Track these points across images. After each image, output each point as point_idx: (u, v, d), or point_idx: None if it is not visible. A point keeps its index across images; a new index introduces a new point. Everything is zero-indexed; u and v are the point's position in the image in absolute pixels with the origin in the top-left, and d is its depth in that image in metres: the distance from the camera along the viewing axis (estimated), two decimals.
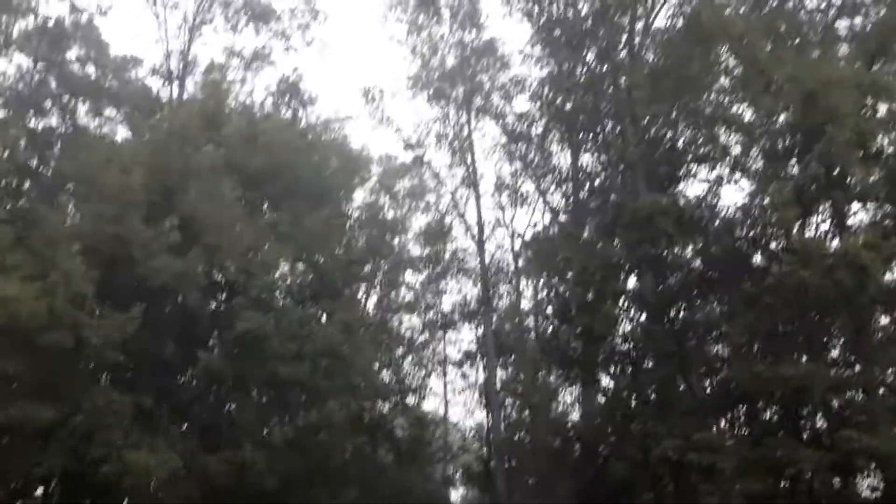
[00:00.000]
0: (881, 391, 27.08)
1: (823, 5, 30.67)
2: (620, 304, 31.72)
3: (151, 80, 39.78)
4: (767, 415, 28.64)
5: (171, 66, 39.66)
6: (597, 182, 33.70)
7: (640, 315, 31.55)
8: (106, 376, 29.31)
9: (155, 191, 29.49)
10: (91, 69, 38.69)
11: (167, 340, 29.33)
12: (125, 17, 40.74)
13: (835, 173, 27.12)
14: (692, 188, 31.27)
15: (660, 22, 33.42)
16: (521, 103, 36.32)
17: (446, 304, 41.48)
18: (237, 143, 33.06)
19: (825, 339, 28.04)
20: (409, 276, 41.41)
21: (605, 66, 33.08)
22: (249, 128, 34.71)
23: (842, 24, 30.83)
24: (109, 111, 37.68)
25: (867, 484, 26.53)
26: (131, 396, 26.88)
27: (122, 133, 37.32)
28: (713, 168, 30.55)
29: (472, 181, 36.71)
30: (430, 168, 38.48)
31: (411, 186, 41.71)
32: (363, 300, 36.08)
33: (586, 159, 34.19)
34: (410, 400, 36.07)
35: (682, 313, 30.71)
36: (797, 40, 30.18)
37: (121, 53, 40.11)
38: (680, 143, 31.78)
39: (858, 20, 30.50)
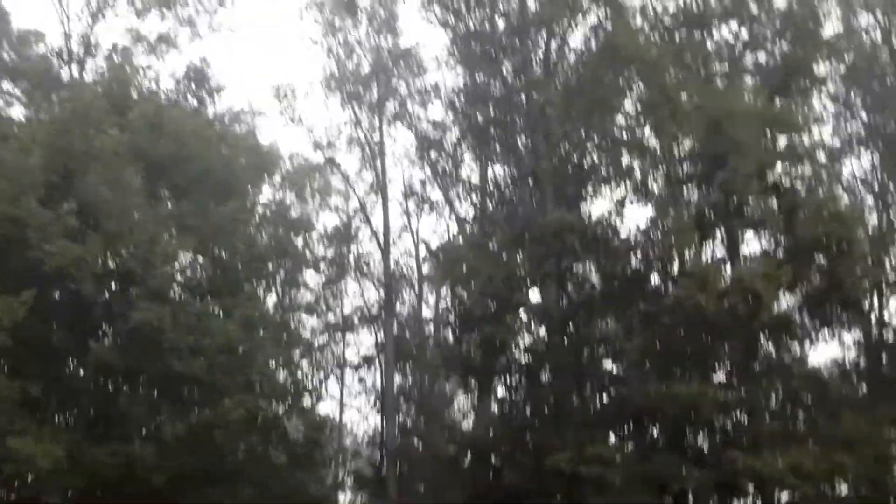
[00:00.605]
0: (765, 415, 28.37)
1: (732, 39, 31.88)
2: (522, 315, 32.44)
3: (52, 59, 38.38)
4: (656, 432, 29.62)
5: (71, 47, 38.37)
6: (506, 194, 34.23)
7: (541, 328, 32.26)
8: None
9: (54, 172, 28.40)
10: None
11: (58, 327, 28.34)
12: None
13: (733, 202, 28.43)
14: (598, 207, 32.13)
15: (576, 40, 34.21)
16: (435, 111, 36.60)
17: (347, 307, 41.55)
18: (142, 129, 32.10)
19: (715, 362, 29.12)
20: (311, 277, 41.17)
21: (521, 81, 33.65)
22: (155, 114, 33.75)
23: (748, 59, 32.16)
24: (6, 85, 36.11)
25: None
26: (18, 382, 25.91)
27: (19, 110, 35.83)
28: (617, 188, 31.46)
29: (380, 186, 36.77)
30: (340, 170, 38.45)
31: (319, 187, 41.47)
32: (263, 298, 35.53)
33: (497, 171, 34.73)
34: (306, 402, 35.69)
35: (581, 328, 31.55)
36: (704, 70, 31.42)
37: (22, 26, 38.74)
38: (588, 162, 32.60)
39: (763, 56, 31.87)
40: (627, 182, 30.80)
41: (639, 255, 30.39)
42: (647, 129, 30.81)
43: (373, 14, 36.32)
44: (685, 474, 26.55)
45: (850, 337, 31.18)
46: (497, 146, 34.20)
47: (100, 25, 39.27)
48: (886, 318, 31.95)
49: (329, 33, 38.10)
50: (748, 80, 31.47)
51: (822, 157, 31.49)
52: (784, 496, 27.08)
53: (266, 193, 38.89)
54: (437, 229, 38.17)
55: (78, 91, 32.88)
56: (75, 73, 37.44)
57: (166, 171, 32.10)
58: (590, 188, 32.22)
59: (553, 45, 33.76)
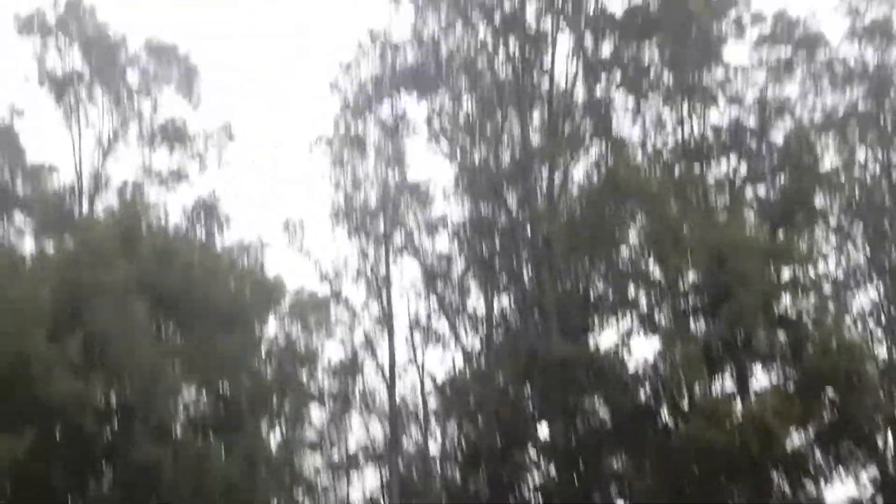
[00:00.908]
0: None
1: (731, 173, 32.45)
2: (530, 451, 31.80)
3: (65, 194, 39.34)
4: None
5: (83, 183, 39.42)
6: (512, 326, 34.14)
7: (550, 463, 31.56)
8: None
9: (62, 307, 28.53)
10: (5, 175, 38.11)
11: (58, 466, 27.80)
12: (40, 124, 40.52)
13: (740, 335, 28.25)
14: (604, 338, 31.96)
15: (578, 173, 34.86)
16: (441, 242, 36.89)
17: (352, 443, 40.68)
18: (150, 262, 32.46)
19: (728, 501, 28.30)
20: (316, 412, 40.60)
21: (525, 214, 34.08)
22: (164, 247, 34.21)
23: (748, 191, 32.64)
24: (19, 219, 36.76)
25: None
26: None
27: (29, 243, 36.39)
28: (623, 320, 31.33)
29: (386, 318, 36.77)
30: (346, 302, 38.51)
31: (325, 319, 41.41)
32: (267, 434, 35.00)
33: (502, 302, 34.73)
34: None
35: (590, 465, 30.84)
36: (705, 203, 31.82)
37: (36, 160, 39.85)
38: (593, 294, 32.61)
39: (763, 188, 32.35)
40: (633, 313, 30.69)
41: (647, 389, 30.03)
42: (651, 261, 30.89)
43: (380, 149, 37.16)
44: None
45: (866, 474, 30.26)
46: (503, 277, 34.34)
47: (111, 159, 40.56)
48: None
49: (337, 165, 38.84)
50: (749, 212, 31.75)
51: (827, 288, 31.37)
52: None
53: (272, 326, 38.93)
54: (443, 361, 37.81)
55: (88, 226, 33.35)
56: (86, 208, 38.22)
57: (173, 304, 32.19)
58: (596, 320, 32.08)
59: (556, 178, 34.31)
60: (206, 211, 40.36)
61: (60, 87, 40.43)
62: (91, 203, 39.42)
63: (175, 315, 32.75)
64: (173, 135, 41.94)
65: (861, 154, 33.57)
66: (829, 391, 28.11)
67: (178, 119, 42.35)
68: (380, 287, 37.17)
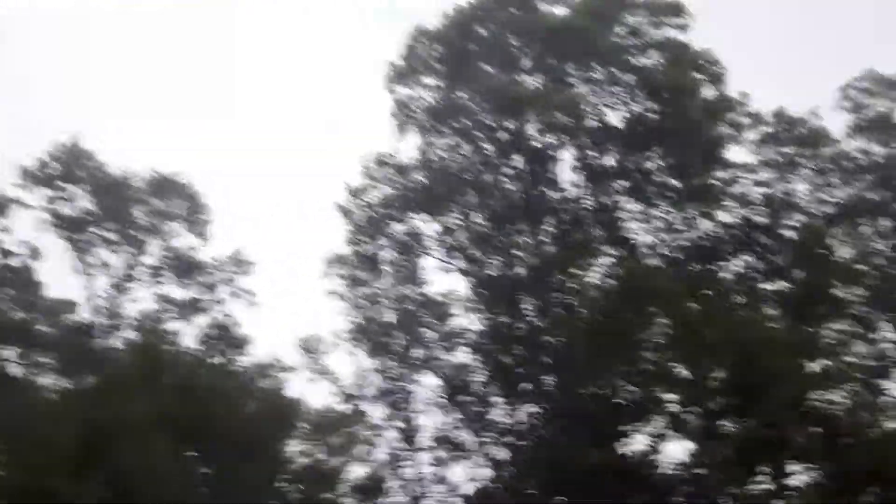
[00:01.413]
0: None
1: (747, 271, 32.26)
2: None
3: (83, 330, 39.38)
4: None
5: (100, 319, 39.64)
6: (539, 434, 33.22)
7: None
8: None
9: (84, 444, 28.02)
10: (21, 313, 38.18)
11: None
12: (54, 265, 41.41)
13: (774, 433, 27.47)
14: (634, 443, 31.03)
15: (593, 277, 34.47)
16: (461, 355, 36.28)
17: None
18: (171, 394, 32.04)
19: None
20: None
21: (543, 322, 33.69)
22: (185, 378, 33.87)
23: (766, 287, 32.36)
24: (40, 357, 36.53)
25: None
26: None
27: (52, 380, 36.02)
28: (652, 423, 30.56)
29: (409, 434, 35.91)
30: (368, 420, 37.66)
31: (348, 438, 40.51)
32: None
33: (527, 411, 33.92)
34: None
35: None
36: (724, 301, 31.45)
37: (55, 295, 39.98)
38: (619, 398, 31.85)
39: (781, 282, 32.08)
40: (662, 416, 29.96)
41: (682, 493, 29.04)
42: (676, 363, 30.35)
43: (395, 267, 36.99)
44: None
45: None
46: (525, 386, 33.67)
47: (125, 294, 40.87)
48: None
49: (353, 286, 38.58)
50: (769, 308, 31.38)
51: (856, 378, 30.72)
52: None
53: (294, 447, 38.11)
54: (469, 475, 36.65)
55: (109, 361, 33.17)
56: (104, 342, 38.14)
57: (195, 434, 31.64)
58: (624, 424, 31.24)
59: (571, 285, 34.03)
60: (224, 335, 40.18)
61: (72, 229, 41.27)
62: (109, 336, 39.49)
63: (197, 445, 32.15)
64: (184, 267, 42.58)
65: (875, 243, 33.45)
66: (870, 486, 27.35)
67: (188, 250, 43.15)
68: (401, 403, 36.45)
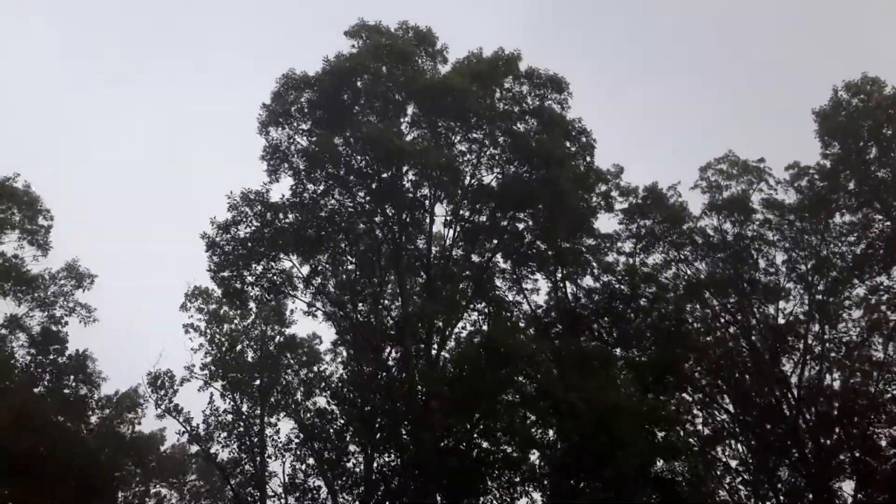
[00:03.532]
0: None
1: (605, 336, 32.27)
2: None
3: None
4: None
5: None
6: (392, 485, 31.90)
7: None
8: None
9: None
10: None
11: None
12: None
13: (619, 496, 27.23)
14: (486, 499, 30.13)
15: (459, 332, 33.89)
16: (321, 400, 34.65)
17: None
18: (4, 425, 29.00)
19: None
20: None
21: (405, 373, 32.62)
22: (18, 406, 30.76)
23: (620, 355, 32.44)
24: None
25: None
26: None
27: None
28: (508, 481, 29.81)
29: (260, 478, 33.87)
30: (217, 461, 35.28)
31: (195, 479, 37.98)
32: None
33: (382, 461, 32.59)
34: None
35: None
36: (581, 366, 31.29)
37: None
38: (475, 454, 31.03)
39: (635, 353, 32.24)
40: (517, 474, 29.27)
41: None
42: (534, 422, 29.84)
43: (260, 306, 35.18)
44: None
45: None
46: (382, 436, 32.36)
47: None
48: None
49: (213, 322, 36.55)
50: (623, 375, 31.43)
51: (696, 448, 31.06)
52: None
53: (140, 490, 35.31)
54: None
55: None
56: None
57: (27, 468, 28.65)
58: (479, 479, 30.35)
59: (436, 337, 33.22)
60: (74, 366, 36.55)
61: None
62: None
63: (30, 479, 29.13)
64: (18, 279, 36.96)
65: (721, 318, 34.22)
66: None
67: (23, 261, 37.58)
68: (254, 446, 34.39)
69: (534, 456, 29.92)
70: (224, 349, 35.42)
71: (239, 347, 35.69)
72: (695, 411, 32.94)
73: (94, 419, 34.45)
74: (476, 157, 34.19)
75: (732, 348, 33.79)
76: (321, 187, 34.82)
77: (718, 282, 34.47)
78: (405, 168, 34.07)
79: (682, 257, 34.69)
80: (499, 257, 34.39)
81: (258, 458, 34.30)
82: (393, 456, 32.60)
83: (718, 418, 33.93)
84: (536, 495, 29.49)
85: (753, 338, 33.88)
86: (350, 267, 34.58)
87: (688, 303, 33.65)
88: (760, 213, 35.73)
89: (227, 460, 34.36)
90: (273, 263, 33.53)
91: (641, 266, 34.09)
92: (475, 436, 30.73)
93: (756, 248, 35.51)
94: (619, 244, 34.56)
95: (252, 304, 34.85)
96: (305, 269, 34.26)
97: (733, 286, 34.21)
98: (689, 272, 34.90)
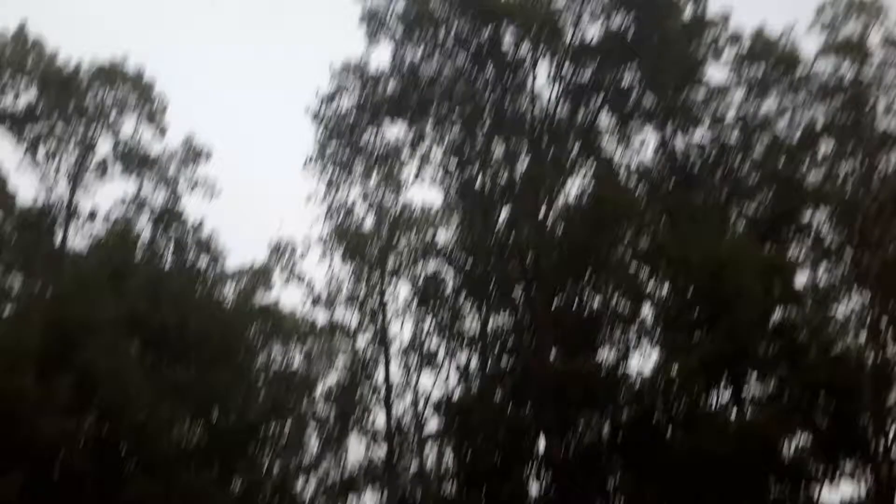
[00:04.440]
0: None
1: (718, 191, 31.20)
2: (529, 467, 30.06)
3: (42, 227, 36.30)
4: None
5: (54, 215, 36.49)
6: (507, 344, 32.38)
7: (549, 478, 29.81)
8: None
9: (51, 346, 26.43)
10: None
11: None
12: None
13: (738, 347, 26.86)
14: (601, 354, 30.33)
15: (567, 193, 33.30)
16: (434, 264, 35.00)
17: (350, 466, 38.42)
18: (141, 297, 30.43)
19: None
20: (313, 436, 38.33)
21: (516, 234, 32.47)
22: (153, 282, 32.15)
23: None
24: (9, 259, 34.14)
25: None
26: None
27: (15, 279, 33.78)
28: (621, 336, 29.82)
29: (381, 341, 34.91)
30: (341, 327, 36.47)
31: (320, 344, 39.32)
32: (264, 462, 32.88)
33: (496, 321, 33.01)
34: None
35: (589, 478, 29.19)
36: (694, 221, 30.45)
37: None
38: (588, 311, 31.01)
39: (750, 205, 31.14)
40: (630, 329, 29.21)
41: (646, 402, 28.46)
42: (645, 278, 29.46)
43: (369, 175, 35.25)
44: None
45: (861, 478, 28.95)
46: (496, 297, 32.64)
47: (83, 193, 37.60)
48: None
49: (331, 190, 36.67)
50: (739, 227, 30.51)
51: (817, 299, 30.16)
52: None
53: (267, 353, 36.84)
54: (439, 383, 35.94)
55: (74, 262, 31.30)
56: (63, 241, 35.58)
57: (165, 339, 30.22)
58: (593, 336, 30.46)
59: (544, 199, 32.73)
60: (194, 238, 37.71)
61: (19, 123, 36.94)
62: (65, 236, 36.31)
63: (168, 350, 30.72)
64: (139, 161, 37.94)
65: (842, 165, 32.45)
66: (825, 399, 27.12)
67: (143, 141, 38.38)
68: (375, 310, 35.30)
69: (647, 311, 29.67)
70: (339, 218, 35.77)
71: (353, 215, 36.04)
72: (814, 261, 31.77)
73: (222, 291, 35.75)
74: (577, 10, 32.63)
75: (853, 196, 32.12)
76: (420, 53, 34.18)
77: (836, 128, 32.49)
78: (504, 27, 32.90)
79: (797, 104, 32.67)
80: (604, 115, 33.17)
81: (379, 322, 35.20)
82: (507, 316, 32.97)
83: (839, 270, 32.64)
84: (650, 350, 29.49)
85: (874, 185, 32.08)
86: (454, 132, 34.08)
87: (804, 151, 31.92)
88: (879, 53, 33.21)
89: (350, 325, 35.49)
90: (378, 132, 33.43)
91: (754, 116, 32.37)
92: (587, 293, 30.66)
93: (875, 91, 33.21)
94: (730, 95, 32.74)
95: (361, 174, 35.00)
96: (410, 136, 34.06)
97: (852, 132, 32.21)
98: (804, 120, 32.94)
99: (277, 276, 36.44)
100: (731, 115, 32.39)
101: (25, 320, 26.85)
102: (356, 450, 37.21)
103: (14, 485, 23.84)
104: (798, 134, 32.25)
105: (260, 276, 37.44)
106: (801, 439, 28.07)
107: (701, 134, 32.20)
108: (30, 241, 34.15)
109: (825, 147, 32.30)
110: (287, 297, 39.40)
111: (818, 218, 31.44)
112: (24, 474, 24.34)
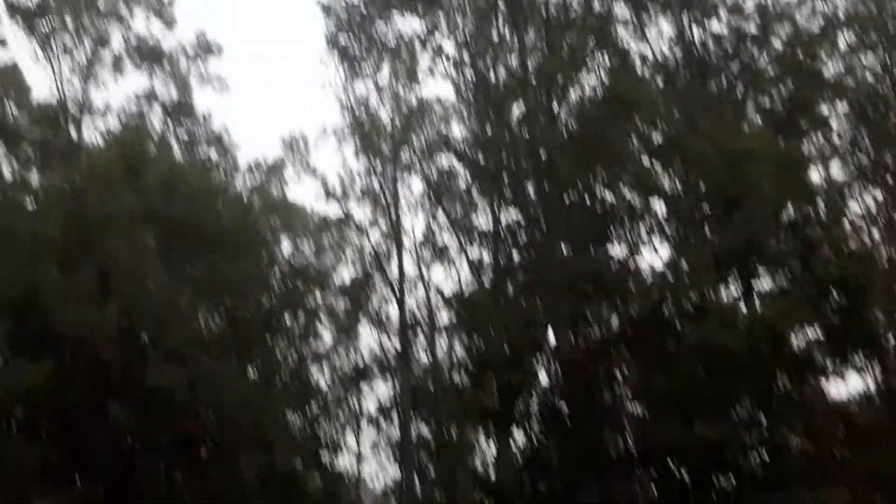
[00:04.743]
0: (791, 453, 26.49)
1: (735, 83, 30.50)
2: (539, 359, 30.55)
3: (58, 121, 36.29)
4: (683, 473, 27.63)
5: (68, 109, 36.44)
6: (519, 239, 32.49)
7: (559, 371, 30.34)
8: (10, 426, 26.54)
9: (71, 238, 26.86)
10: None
11: (75, 392, 26.53)
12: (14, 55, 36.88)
13: (750, 241, 26.74)
14: (613, 249, 30.38)
15: (580, 87, 32.69)
16: (447, 159, 34.81)
17: (363, 357, 39.38)
18: (156, 192, 30.61)
19: (736, 402, 27.23)
20: (327, 328, 39.15)
21: (526, 131, 32.12)
22: (168, 175, 32.25)
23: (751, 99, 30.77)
24: (20, 151, 34.35)
25: None
26: (37, 448, 24.50)
27: (33, 173, 34.09)
28: (632, 231, 29.76)
29: (395, 235, 35.10)
30: (354, 220, 36.72)
31: (333, 237, 39.65)
32: (280, 352, 33.65)
33: (509, 216, 33.07)
34: (325, 456, 33.54)
35: (598, 369, 29.66)
36: (709, 114, 29.92)
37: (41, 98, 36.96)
38: (600, 205, 30.90)
39: (766, 97, 30.48)
40: (642, 224, 29.11)
41: (656, 295, 28.61)
42: (659, 172, 29.17)
43: (380, 68, 34.71)
44: None
45: (870, 372, 29.28)
46: (508, 192, 32.57)
47: (92, 85, 37.40)
48: None
49: (339, 85, 36.21)
50: (755, 120, 29.94)
51: (832, 194, 29.82)
52: None
53: (280, 247, 37.23)
54: (451, 276, 36.28)
55: (91, 155, 31.44)
56: (78, 135, 35.66)
57: (181, 232, 30.52)
58: (603, 231, 30.43)
59: (557, 92, 32.21)
60: (206, 132, 37.78)
61: (31, 17, 36.68)
62: (79, 131, 36.38)
63: (184, 242, 31.09)
64: (150, 55, 37.90)
65: (862, 57, 31.57)
66: (837, 294, 27.05)
67: (154, 38, 38.33)
68: (388, 204, 35.36)
69: (659, 206, 29.49)
70: (350, 110, 35.51)
71: (365, 109, 35.71)
72: (830, 156, 31.29)
73: (236, 185, 35.90)
74: None
75: (874, 88, 31.37)
76: None
77: (857, 18, 31.45)
78: None
79: None
80: (620, 4, 32.24)
81: (392, 217, 35.32)
82: (519, 211, 32.96)
83: (857, 165, 32.13)
84: (661, 245, 29.43)
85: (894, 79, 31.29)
86: (467, 23, 33.33)
87: (824, 42, 30.99)
88: None
89: (363, 219, 35.68)
90: (388, 23, 32.72)
91: (773, 5, 31.34)
92: (599, 188, 30.47)
93: None
94: None
95: (372, 67, 34.48)
96: (421, 29, 33.38)
97: (874, 23, 31.18)
98: (825, 8, 31.85)
99: (291, 171, 36.49)
100: (749, 4, 31.42)
101: (45, 214, 27.13)
102: (369, 343, 38.04)
103: (46, 371, 24.57)
104: (818, 24, 31.30)
105: (273, 171, 37.46)
106: (810, 333, 28.31)
107: (718, 24, 31.32)
108: (46, 135, 34.32)
109: (846, 38, 31.37)
110: (300, 191, 39.53)
111: (836, 111, 30.85)
112: (54, 362, 25.04)
